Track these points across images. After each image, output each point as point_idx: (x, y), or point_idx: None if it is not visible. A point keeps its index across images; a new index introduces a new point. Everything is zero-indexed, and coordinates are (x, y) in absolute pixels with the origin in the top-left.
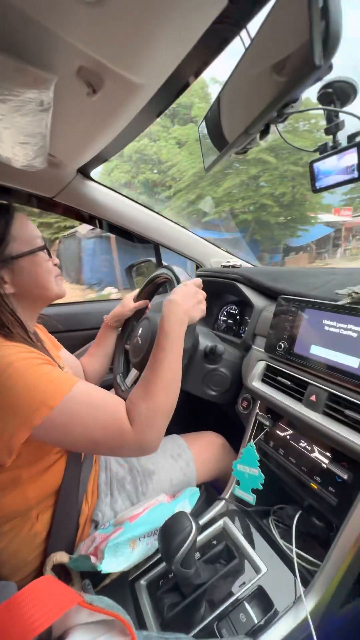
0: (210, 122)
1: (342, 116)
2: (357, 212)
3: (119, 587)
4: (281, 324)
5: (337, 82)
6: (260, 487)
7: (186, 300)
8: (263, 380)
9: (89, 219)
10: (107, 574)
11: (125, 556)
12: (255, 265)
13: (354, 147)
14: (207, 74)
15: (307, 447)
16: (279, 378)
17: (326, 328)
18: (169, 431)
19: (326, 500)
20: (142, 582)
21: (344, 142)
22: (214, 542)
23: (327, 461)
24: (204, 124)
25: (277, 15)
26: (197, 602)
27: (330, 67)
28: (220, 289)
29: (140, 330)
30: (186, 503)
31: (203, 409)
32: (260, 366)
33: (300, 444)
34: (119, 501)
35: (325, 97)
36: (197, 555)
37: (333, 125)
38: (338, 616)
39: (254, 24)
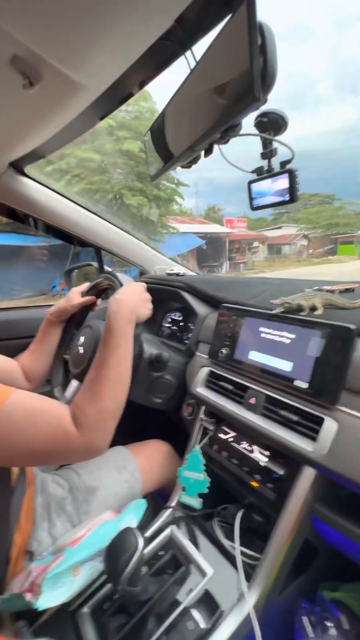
0: (155, 133)
1: (275, 143)
2: (272, 226)
3: (60, 621)
4: (223, 331)
5: (272, 113)
6: (206, 491)
7: (133, 299)
8: (207, 386)
9: (24, 219)
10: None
11: (66, 586)
12: (199, 274)
13: (286, 173)
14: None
15: (247, 447)
16: (221, 383)
17: (262, 335)
18: (113, 443)
19: (265, 496)
20: (85, 609)
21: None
22: (161, 552)
23: (265, 459)
24: (149, 134)
25: (220, 44)
26: (144, 619)
27: (265, 100)
28: (165, 296)
29: (81, 339)
30: (132, 517)
31: (148, 418)
32: (204, 372)
33: (242, 445)
34: (58, 525)
35: (261, 125)
36: (144, 569)
37: (268, 151)
38: (278, 603)
39: (200, 47)
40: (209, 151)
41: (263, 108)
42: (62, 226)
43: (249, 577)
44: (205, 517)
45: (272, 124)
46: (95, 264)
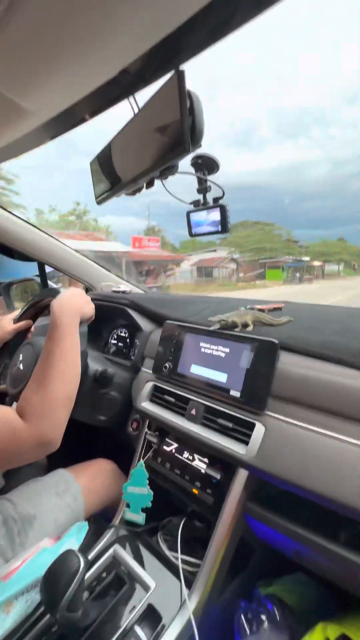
0: (102, 161)
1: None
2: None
3: None
4: (167, 346)
5: (205, 156)
6: (150, 505)
7: (75, 298)
8: (151, 400)
9: None
10: None
11: None
12: (145, 292)
13: (218, 207)
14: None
15: (189, 457)
16: (165, 397)
17: (202, 350)
18: (54, 466)
19: (205, 502)
20: None
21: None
22: (104, 574)
23: (204, 466)
24: (96, 160)
25: (158, 101)
26: None
27: (199, 145)
28: (111, 313)
29: (21, 357)
30: (73, 541)
31: (92, 437)
32: (149, 387)
33: (184, 455)
34: None
35: (196, 165)
36: (86, 594)
37: (202, 188)
38: (218, 606)
39: (142, 96)
40: (150, 184)
41: (198, 151)
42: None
43: (190, 585)
44: (149, 532)
45: (205, 165)
46: (37, 279)
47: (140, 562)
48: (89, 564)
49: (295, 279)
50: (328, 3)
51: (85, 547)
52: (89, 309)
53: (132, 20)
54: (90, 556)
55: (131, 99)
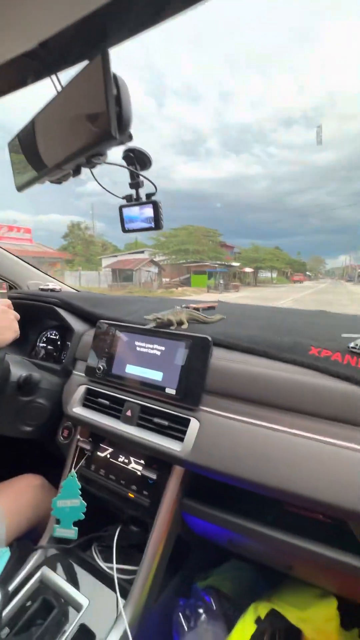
0: (23, 142)
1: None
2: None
3: None
4: (100, 347)
5: (137, 150)
6: (83, 517)
7: None
8: (84, 405)
9: None
10: None
11: None
12: (77, 290)
13: (151, 203)
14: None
15: (125, 460)
16: (99, 400)
17: (138, 349)
18: None
19: (141, 504)
20: None
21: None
22: (28, 603)
23: (140, 468)
24: (16, 140)
25: (82, 82)
26: None
27: (130, 137)
28: (39, 313)
29: None
30: None
31: (16, 450)
32: (81, 390)
33: (119, 459)
34: None
35: (128, 158)
36: (5, 631)
37: (135, 183)
38: (156, 610)
39: (65, 75)
40: (76, 172)
41: (131, 144)
42: None
43: (127, 594)
44: (83, 546)
45: (138, 159)
46: None
47: (72, 580)
48: (9, 596)
49: (220, 286)
50: (270, 33)
51: (6, 577)
52: (10, 331)
53: None
54: (12, 586)
55: (53, 77)
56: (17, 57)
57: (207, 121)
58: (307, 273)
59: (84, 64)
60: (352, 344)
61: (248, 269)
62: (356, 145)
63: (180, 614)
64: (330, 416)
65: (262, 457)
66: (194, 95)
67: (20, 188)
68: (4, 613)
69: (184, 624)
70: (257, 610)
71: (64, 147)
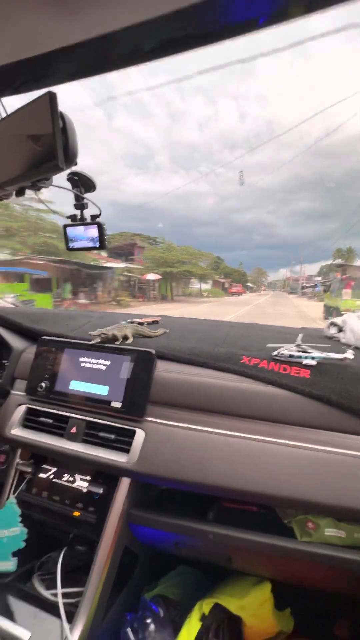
0: None
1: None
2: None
3: None
4: (42, 364)
5: (82, 174)
6: (23, 545)
7: None
8: (24, 425)
9: None
10: None
11: None
12: (15, 305)
13: (95, 224)
14: None
15: (69, 479)
16: (40, 419)
17: (82, 364)
18: None
19: (88, 522)
20: None
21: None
22: None
23: (86, 485)
24: None
25: (30, 112)
26: None
27: (75, 163)
28: None
29: None
30: None
31: None
32: (21, 410)
33: (63, 479)
34: None
35: (72, 181)
36: None
37: (80, 204)
38: (103, 629)
39: (11, 102)
40: (20, 193)
41: (75, 168)
42: None
43: (72, 617)
44: (23, 576)
45: (82, 183)
46: None
47: (10, 616)
48: None
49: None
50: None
51: None
52: None
53: (2, 29)
54: None
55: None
56: None
57: (157, 137)
58: (249, 284)
59: (29, 95)
60: (275, 353)
61: (152, 276)
62: (289, 171)
63: (128, 629)
64: (258, 416)
65: (202, 459)
66: (144, 111)
67: None
68: None
69: (132, 638)
70: (201, 608)
71: (8, 169)
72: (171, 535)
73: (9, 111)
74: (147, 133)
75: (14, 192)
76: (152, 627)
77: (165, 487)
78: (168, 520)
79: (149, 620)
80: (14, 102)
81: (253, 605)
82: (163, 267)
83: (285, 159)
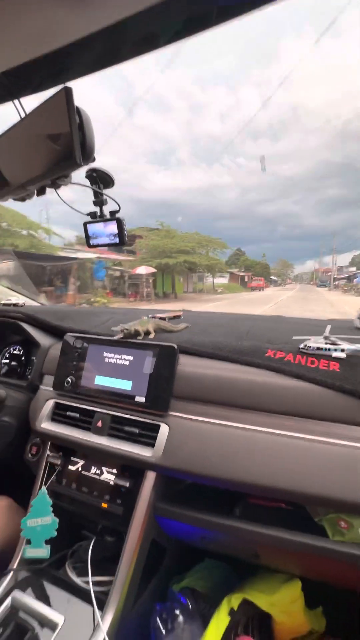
0: None
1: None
2: None
3: None
4: (68, 360)
5: (100, 170)
6: (55, 534)
7: None
8: (52, 419)
9: None
10: None
11: None
12: (42, 304)
13: (114, 220)
14: None
15: (97, 471)
16: (68, 413)
17: (106, 360)
18: None
19: (115, 514)
20: None
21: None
22: (0, 630)
23: (113, 477)
24: None
25: (47, 110)
26: None
27: (93, 159)
28: (1, 329)
29: None
30: None
31: None
32: (49, 405)
33: (91, 471)
34: None
35: (91, 178)
36: None
37: (99, 201)
38: (133, 617)
39: (30, 102)
40: (41, 192)
41: (94, 165)
42: None
43: (103, 604)
44: (56, 564)
45: (101, 179)
46: None
47: (46, 600)
48: None
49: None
50: (234, 53)
51: None
52: None
53: (19, 27)
54: None
55: (16, 102)
56: None
57: (178, 131)
58: (273, 278)
59: (47, 92)
60: (301, 345)
61: (143, 270)
62: (316, 158)
63: (157, 618)
64: (285, 411)
65: (227, 454)
66: (164, 106)
67: None
68: None
69: (161, 628)
70: (230, 603)
71: (28, 169)
72: (198, 530)
73: (28, 111)
74: (167, 128)
75: (35, 192)
76: (180, 618)
77: (191, 482)
78: (194, 514)
79: (177, 612)
80: (32, 102)
81: (283, 602)
82: (159, 258)
83: (312, 146)
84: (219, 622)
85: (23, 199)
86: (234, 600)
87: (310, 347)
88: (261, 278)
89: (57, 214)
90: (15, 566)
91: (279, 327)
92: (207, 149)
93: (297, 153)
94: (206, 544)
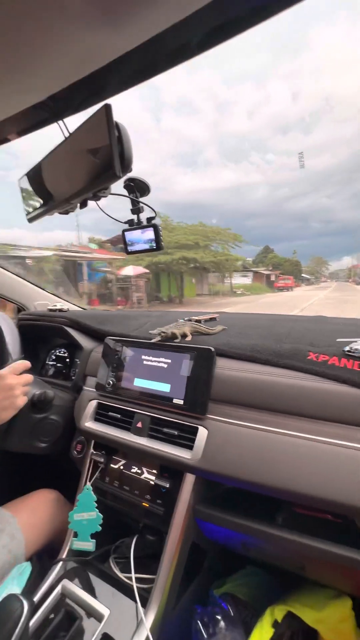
0: (32, 180)
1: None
2: None
3: None
4: (109, 362)
5: (137, 179)
6: (100, 529)
7: None
8: (95, 419)
9: None
10: None
11: None
12: (84, 309)
13: (151, 226)
14: None
15: (137, 471)
16: (109, 413)
17: (145, 362)
18: None
19: (156, 513)
20: None
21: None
22: (52, 616)
23: (153, 478)
24: (25, 178)
25: (88, 128)
26: None
27: (131, 169)
28: (47, 333)
29: None
30: (14, 586)
31: (30, 466)
32: (92, 405)
33: (132, 470)
34: None
35: (129, 187)
36: None
37: (136, 208)
38: (174, 617)
39: (74, 121)
40: (83, 204)
41: (130, 174)
42: None
43: (146, 601)
44: (101, 557)
45: (137, 188)
46: None
47: (92, 592)
48: (34, 608)
49: None
50: (262, 46)
51: (29, 590)
52: (10, 409)
53: (63, 53)
54: (35, 598)
55: (61, 123)
56: (28, 107)
57: (204, 132)
58: (305, 276)
59: (88, 111)
60: (347, 348)
61: (130, 270)
62: (352, 148)
63: (198, 621)
64: (330, 417)
65: (268, 460)
66: (190, 108)
67: (30, 220)
68: (30, 624)
69: (202, 631)
70: (273, 614)
71: (72, 184)
72: (238, 535)
73: (71, 129)
74: (194, 130)
75: (78, 205)
76: (222, 624)
77: (231, 486)
78: (234, 519)
79: (218, 617)
80: (73, 121)
81: (332, 620)
82: (151, 256)
83: (346, 136)
84: (262, 632)
85: (67, 212)
86: (277, 612)
87: (357, 349)
88: (290, 277)
89: (89, 222)
90: (64, 556)
91: (321, 328)
92: (235, 148)
93: (331, 145)
94: (247, 550)
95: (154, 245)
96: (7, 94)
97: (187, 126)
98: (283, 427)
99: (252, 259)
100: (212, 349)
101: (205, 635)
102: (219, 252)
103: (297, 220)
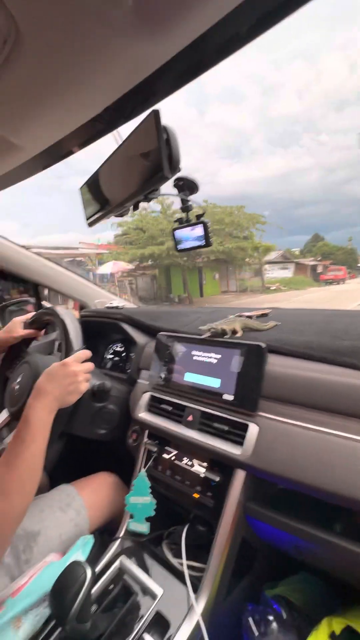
0: (91, 187)
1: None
2: None
3: None
4: (161, 357)
5: (186, 178)
6: (153, 514)
7: (58, 385)
8: (149, 410)
9: None
10: None
11: None
12: (138, 307)
13: (200, 223)
14: None
15: (188, 462)
16: (162, 405)
17: (195, 357)
18: (56, 482)
19: (206, 505)
20: None
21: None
22: (111, 587)
23: (204, 470)
24: (85, 187)
25: (139, 134)
26: None
27: (179, 169)
28: (106, 328)
29: (20, 377)
30: (79, 555)
31: (92, 451)
32: (146, 397)
33: (183, 462)
34: None
35: (178, 187)
36: (94, 607)
37: (185, 207)
38: (224, 608)
39: (125, 129)
40: (136, 207)
41: (180, 174)
42: None
43: (197, 589)
44: (154, 541)
45: (187, 186)
46: (30, 300)
47: (147, 571)
48: (96, 578)
49: None
50: (311, 18)
51: (92, 561)
52: (74, 393)
53: (113, 67)
54: (97, 569)
55: (115, 132)
56: (88, 121)
57: (250, 120)
58: None
59: (138, 119)
60: None
61: (109, 268)
62: None
63: (250, 618)
64: None
65: (322, 462)
66: (236, 96)
67: (91, 224)
68: (92, 591)
69: (253, 629)
70: (330, 625)
71: (126, 189)
72: (291, 537)
73: (122, 136)
74: (239, 119)
75: (132, 207)
76: (274, 625)
77: (284, 487)
78: (286, 520)
79: (270, 617)
80: (123, 128)
81: None
82: (141, 248)
83: None
84: None
85: (122, 215)
86: (335, 624)
87: None
88: (341, 267)
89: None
90: (122, 535)
91: None
92: (284, 132)
93: None
94: (300, 554)
95: (203, 242)
96: (70, 110)
97: (232, 116)
98: (342, 430)
99: (299, 249)
100: (263, 345)
101: (256, 633)
102: (239, 238)
103: (355, 205)
